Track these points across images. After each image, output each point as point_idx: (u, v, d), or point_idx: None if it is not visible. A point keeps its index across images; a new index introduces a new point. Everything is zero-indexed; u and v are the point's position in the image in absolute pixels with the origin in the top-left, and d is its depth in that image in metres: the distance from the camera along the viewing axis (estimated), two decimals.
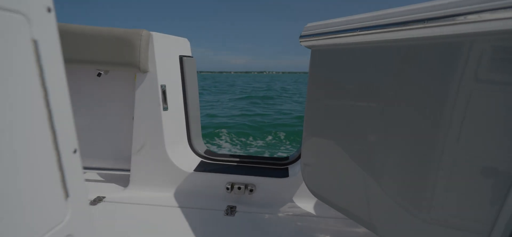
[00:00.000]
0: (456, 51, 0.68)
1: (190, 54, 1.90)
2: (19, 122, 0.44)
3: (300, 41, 1.18)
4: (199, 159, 1.84)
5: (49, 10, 0.49)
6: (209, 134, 9.24)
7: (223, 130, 9.74)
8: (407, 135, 0.81)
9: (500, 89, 0.61)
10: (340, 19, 1.00)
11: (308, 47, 1.16)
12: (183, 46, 1.83)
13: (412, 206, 0.81)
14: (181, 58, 1.78)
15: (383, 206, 0.91)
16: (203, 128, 2.13)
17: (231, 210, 1.51)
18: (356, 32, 0.92)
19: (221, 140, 8.76)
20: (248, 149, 7.87)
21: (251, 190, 1.61)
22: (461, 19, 0.63)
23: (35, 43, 0.46)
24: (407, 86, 0.80)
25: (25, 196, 0.45)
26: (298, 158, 1.72)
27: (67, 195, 0.53)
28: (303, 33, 1.15)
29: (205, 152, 1.89)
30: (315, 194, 1.24)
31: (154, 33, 1.53)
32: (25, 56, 0.45)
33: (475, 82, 0.65)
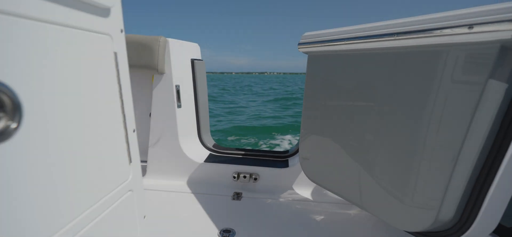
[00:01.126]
0: (428, 59, 0.89)
1: (200, 58, 2.11)
2: (106, 107, 0.64)
3: (299, 48, 1.38)
4: (208, 152, 2.04)
5: (121, 31, 0.69)
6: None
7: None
8: (387, 129, 1.01)
9: (458, 90, 0.82)
10: (332, 30, 1.20)
11: (305, 53, 1.37)
12: (194, 50, 2.03)
13: (390, 185, 1.02)
14: (192, 61, 1.98)
15: (368, 187, 1.11)
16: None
17: (237, 196, 1.72)
18: (345, 41, 1.12)
19: None
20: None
21: (255, 179, 1.81)
22: (437, 32, 0.83)
23: (115, 54, 0.67)
24: (387, 87, 1.01)
25: (109, 159, 0.65)
26: (297, 151, 1.92)
27: (130, 161, 0.73)
28: (301, 41, 1.36)
29: (213, 146, 2.10)
30: (312, 180, 1.45)
31: (170, 40, 1.74)
32: (110, 62, 0.65)
33: (439, 85, 0.86)
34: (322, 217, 1.52)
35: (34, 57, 0.44)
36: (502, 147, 0.81)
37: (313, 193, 1.77)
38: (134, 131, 0.76)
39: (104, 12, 0.63)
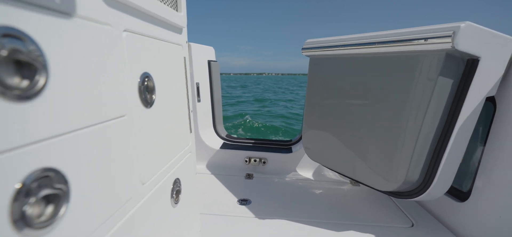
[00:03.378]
0: (399, 62, 1.21)
1: (215, 59, 2.42)
2: (179, 92, 0.95)
3: (302, 52, 1.70)
4: (222, 141, 2.36)
5: (186, 42, 1.01)
6: None
7: None
8: (372, 116, 1.33)
9: (420, 84, 1.14)
10: (330, 38, 1.52)
11: (307, 56, 1.69)
12: (210, 52, 2.34)
13: (373, 158, 1.34)
14: (209, 62, 2.29)
15: (357, 161, 1.42)
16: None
17: (249, 176, 2.03)
18: (340, 48, 1.44)
19: None
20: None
21: (264, 162, 2.13)
22: (406, 43, 1.14)
23: (185, 59, 0.98)
24: (372, 84, 1.33)
25: (180, 129, 0.96)
26: (299, 139, 2.24)
27: (190, 131, 1.05)
28: (304, 46, 1.68)
29: (226, 136, 2.41)
30: (314, 159, 1.76)
31: (192, 44, 2.05)
32: (181, 64, 0.96)
33: (407, 81, 1.18)
34: (321, 191, 1.84)
35: (155, 59, 0.75)
36: (450, 126, 1.13)
37: (313, 174, 2.09)
38: (191, 111, 1.07)
39: (179, 30, 0.94)
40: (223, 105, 3.03)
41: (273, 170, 2.14)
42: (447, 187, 1.26)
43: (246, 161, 2.14)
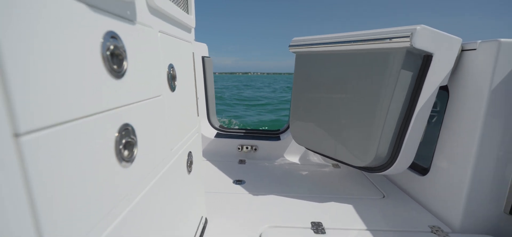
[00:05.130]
0: (370, 57, 1.45)
1: (208, 55, 2.60)
2: (190, 83, 1.13)
3: (289, 49, 1.92)
4: (215, 131, 2.55)
5: (193, 39, 1.19)
6: None
7: None
8: (349, 102, 1.57)
9: (386, 75, 1.38)
10: (314, 37, 1.75)
11: (294, 52, 1.91)
12: (204, 49, 2.52)
13: (349, 139, 1.58)
14: (202, 58, 2.47)
15: (337, 142, 1.66)
16: None
17: (242, 162, 2.24)
18: (322, 45, 1.67)
19: None
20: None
21: (255, 149, 2.34)
22: (376, 41, 1.37)
23: (193, 54, 1.17)
24: (348, 75, 1.56)
25: (190, 113, 1.15)
26: (287, 128, 2.47)
27: (198, 114, 1.24)
28: (291, 44, 1.90)
29: (219, 126, 2.60)
30: (300, 143, 1.99)
31: None
32: (190, 59, 1.15)
33: (376, 73, 1.42)
34: (306, 173, 2.08)
35: (175, 53, 0.93)
36: (411, 110, 1.39)
37: (299, 159, 2.33)
38: (198, 98, 1.26)
39: (189, 30, 1.13)
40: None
41: (263, 156, 2.36)
42: (409, 162, 1.52)
43: (239, 148, 2.34)
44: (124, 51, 0.56)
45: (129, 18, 0.60)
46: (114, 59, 0.54)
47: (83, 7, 0.44)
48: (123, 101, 0.56)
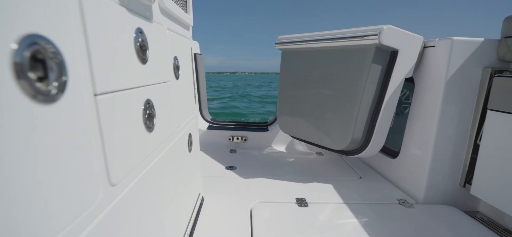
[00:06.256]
0: (347, 53, 1.65)
1: (199, 52, 2.75)
2: (188, 78, 1.29)
3: (276, 46, 2.10)
4: (207, 123, 2.70)
5: (191, 36, 1.35)
6: None
7: None
8: (329, 93, 1.77)
9: (359, 68, 1.58)
10: (298, 35, 1.94)
11: (280, 49, 2.09)
12: (195, 46, 2.67)
13: (329, 126, 1.77)
14: (194, 55, 2.62)
15: (319, 130, 1.86)
16: None
17: (233, 151, 2.41)
18: (306, 43, 1.86)
19: None
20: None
21: (245, 140, 2.51)
22: (351, 39, 1.57)
23: (191, 48, 1.33)
24: (329, 68, 1.76)
25: (189, 104, 1.31)
26: (274, 121, 2.66)
27: (195, 102, 1.40)
28: (277, 41, 2.08)
29: (211, 119, 2.76)
30: (287, 132, 2.18)
31: None
32: (189, 53, 1.31)
33: (352, 67, 1.62)
34: (292, 159, 2.27)
35: (178, 47, 1.09)
36: (381, 99, 1.60)
37: (286, 148, 2.52)
38: (195, 90, 1.43)
39: (188, 28, 1.29)
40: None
41: (253, 145, 2.54)
42: (381, 144, 1.74)
43: (229, 139, 2.51)
44: (147, 43, 0.73)
45: (148, 17, 0.76)
46: (140, 49, 0.70)
47: (123, 10, 0.60)
48: (147, 81, 0.73)
